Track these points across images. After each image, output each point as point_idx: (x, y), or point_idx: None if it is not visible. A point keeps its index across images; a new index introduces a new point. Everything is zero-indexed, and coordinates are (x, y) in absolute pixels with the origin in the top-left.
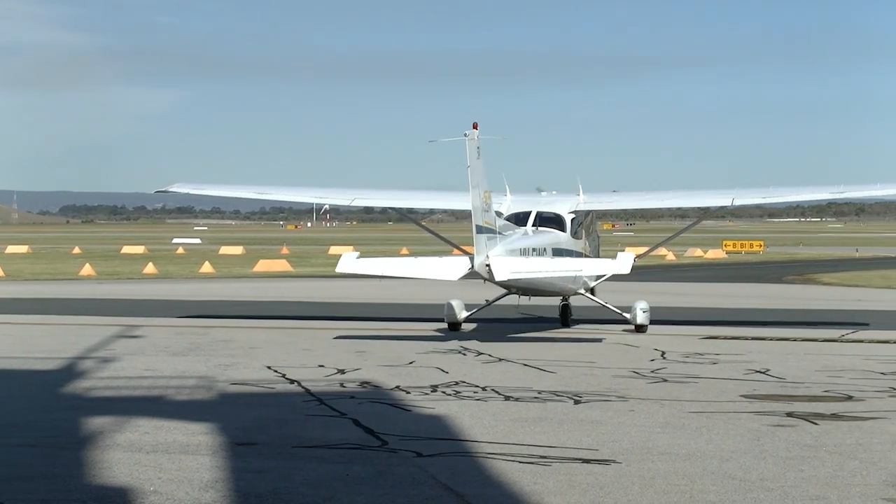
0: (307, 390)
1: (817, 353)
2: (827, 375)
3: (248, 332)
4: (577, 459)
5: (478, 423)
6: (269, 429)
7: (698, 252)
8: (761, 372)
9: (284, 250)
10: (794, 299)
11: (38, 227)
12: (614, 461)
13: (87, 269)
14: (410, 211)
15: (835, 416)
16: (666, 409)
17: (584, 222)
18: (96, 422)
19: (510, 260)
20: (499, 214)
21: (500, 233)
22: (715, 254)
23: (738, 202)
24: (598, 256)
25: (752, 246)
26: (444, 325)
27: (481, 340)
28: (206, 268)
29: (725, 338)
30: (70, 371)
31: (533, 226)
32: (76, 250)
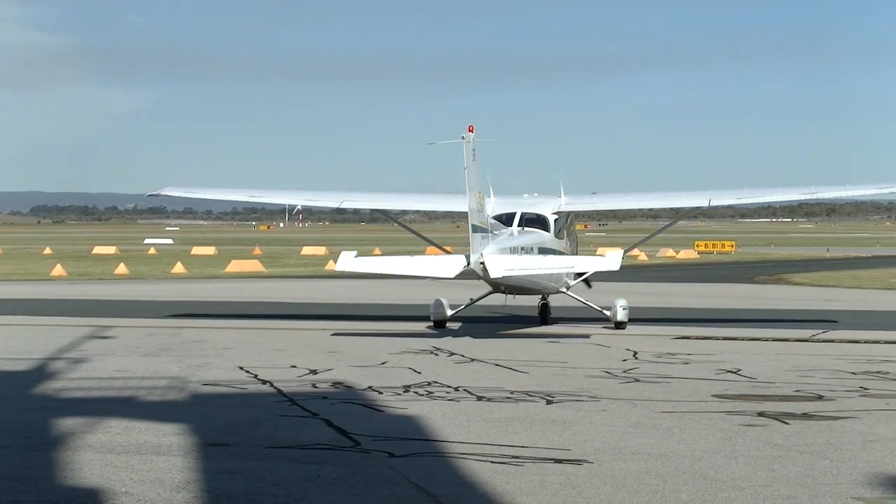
0: (279, 391)
1: (788, 352)
2: (798, 375)
3: (221, 332)
4: (549, 459)
5: (450, 424)
6: (242, 429)
7: (670, 252)
8: (733, 372)
9: (257, 251)
10: (766, 299)
11: (9, 228)
12: (586, 461)
13: (58, 270)
14: (402, 213)
15: (805, 416)
16: (638, 409)
17: (566, 223)
18: (67, 423)
19: (503, 258)
20: None
21: (492, 232)
22: (687, 254)
23: (714, 203)
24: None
25: (723, 246)
26: (413, 326)
27: (454, 338)
28: (178, 268)
29: (697, 338)
30: (41, 372)
31: (518, 226)
32: (47, 251)
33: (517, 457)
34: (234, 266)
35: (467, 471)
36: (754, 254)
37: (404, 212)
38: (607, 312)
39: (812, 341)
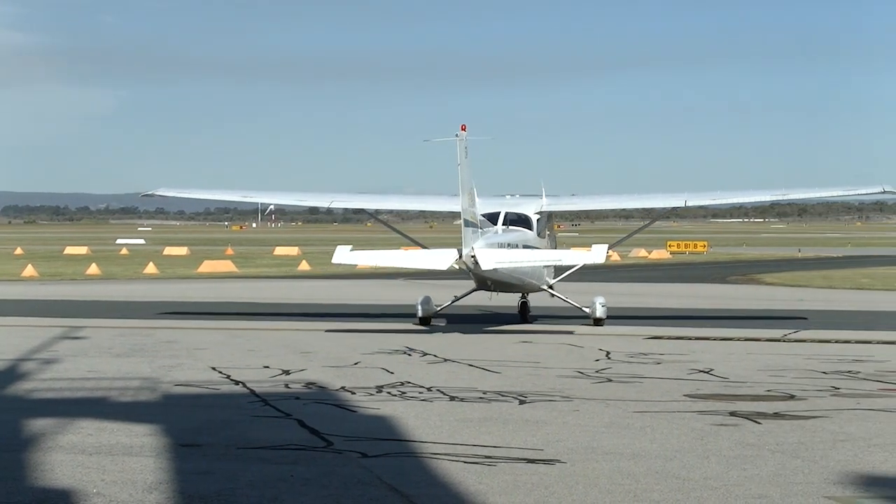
0: (252, 391)
1: (760, 352)
2: (769, 375)
3: (193, 333)
4: (521, 459)
5: (423, 424)
6: (214, 430)
7: (643, 252)
8: (705, 372)
9: (229, 251)
10: (738, 299)
11: None
12: (559, 461)
13: (29, 270)
14: (377, 212)
15: (777, 416)
16: (610, 408)
17: (547, 223)
18: (39, 423)
19: (494, 251)
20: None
21: (481, 229)
22: (659, 254)
23: (690, 203)
24: None
25: (696, 246)
26: (387, 325)
27: (427, 339)
28: (151, 268)
29: (669, 338)
30: (12, 372)
31: (503, 225)
32: (18, 251)
33: (490, 457)
34: (207, 266)
35: (440, 471)
36: (726, 254)
37: (378, 211)
38: (587, 310)
39: (784, 341)
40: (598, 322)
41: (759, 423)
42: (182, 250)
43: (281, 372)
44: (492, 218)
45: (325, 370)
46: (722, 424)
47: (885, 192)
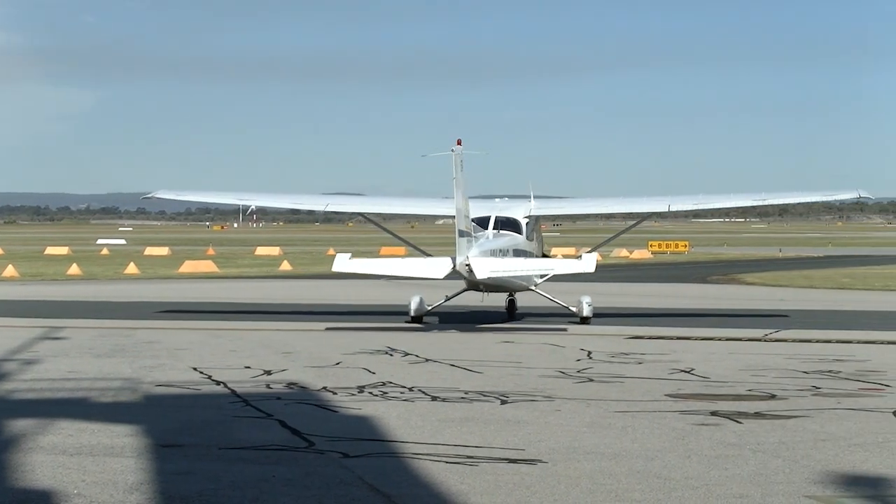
0: (233, 392)
1: (741, 352)
2: (750, 374)
3: (174, 333)
4: (503, 459)
5: (405, 424)
6: (195, 431)
7: (624, 252)
8: (686, 371)
9: (211, 251)
10: (719, 299)
11: None
12: (540, 461)
13: (9, 271)
14: (356, 214)
15: (758, 415)
16: (592, 408)
17: (535, 226)
18: (19, 424)
19: (487, 260)
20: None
21: (474, 236)
22: (640, 254)
23: (674, 208)
24: (543, 256)
25: (677, 246)
26: (368, 323)
27: (409, 339)
28: (131, 269)
29: (651, 337)
30: None
31: (494, 229)
32: None
33: (471, 457)
34: (188, 266)
35: (422, 471)
36: (707, 254)
37: (361, 213)
38: (573, 308)
39: (765, 341)
40: (584, 320)
41: (740, 422)
42: (163, 250)
43: (262, 372)
44: (482, 222)
45: (307, 370)
46: (703, 424)
47: (860, 197)
